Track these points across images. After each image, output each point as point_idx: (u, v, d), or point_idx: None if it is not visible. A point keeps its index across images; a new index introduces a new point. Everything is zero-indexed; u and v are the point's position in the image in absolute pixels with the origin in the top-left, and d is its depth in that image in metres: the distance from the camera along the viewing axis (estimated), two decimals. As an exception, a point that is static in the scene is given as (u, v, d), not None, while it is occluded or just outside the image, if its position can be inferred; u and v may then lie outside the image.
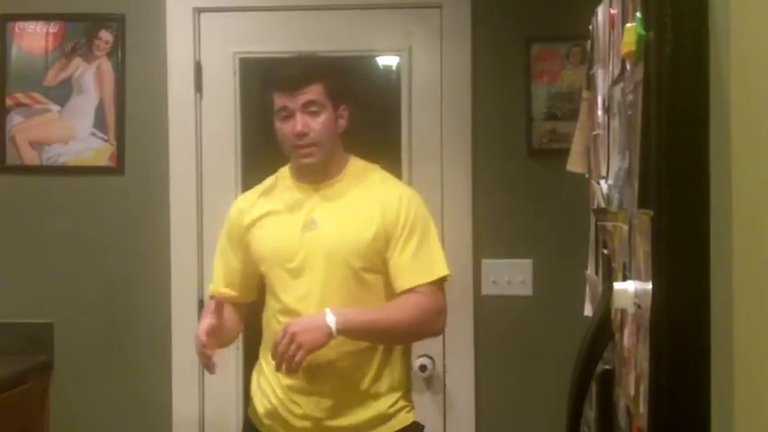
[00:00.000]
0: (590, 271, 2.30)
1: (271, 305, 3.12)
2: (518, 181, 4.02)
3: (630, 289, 1.59)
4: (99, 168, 4.15)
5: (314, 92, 3.02)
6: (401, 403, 3.13)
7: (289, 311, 3.01)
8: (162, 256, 4.13)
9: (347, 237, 3.01)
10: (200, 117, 4.15)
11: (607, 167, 1.94)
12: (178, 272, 4.13)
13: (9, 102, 4.16)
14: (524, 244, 4.04)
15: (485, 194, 4.04)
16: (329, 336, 2.83)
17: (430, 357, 4.07)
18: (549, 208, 3.96)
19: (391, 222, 3.01)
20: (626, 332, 1.66)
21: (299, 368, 2.83)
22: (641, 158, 1.47)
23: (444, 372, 4.08)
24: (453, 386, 4.08)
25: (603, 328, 1.82)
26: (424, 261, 3.02)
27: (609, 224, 1.90)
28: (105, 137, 4.13)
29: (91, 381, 4.19)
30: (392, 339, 3.06)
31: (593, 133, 2.18)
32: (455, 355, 4.07)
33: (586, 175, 2.38)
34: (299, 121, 2.99)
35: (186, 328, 4.10)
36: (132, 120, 4.14)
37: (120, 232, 4.16)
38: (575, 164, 2.47)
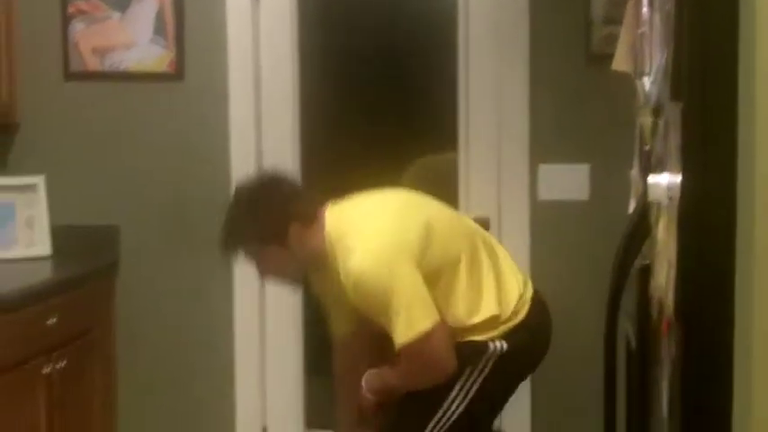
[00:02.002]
0: (634, 170, 2.31)
1: None
2: (576, 86, 4.01)
3: (664, 182, 1.61)
4: (159, 75, 4.21)
5: (247, 252, 3.24)
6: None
7: None
8: (221, 160, 4.20)
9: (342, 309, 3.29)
10: (258, 23, 4.18)
11: (650, 64, 1.95)
12: (238, 172, 4.18)
13: (71, 9, 4.22)
14: (581, 149, 4.04)
15: (542, 100, 4.04)
16: (367, 399, 3.24)
17: (486, 261, 4.10)
18: (607, 113, 3.94)
19: (360, 300, 3.09)
20: (660, 226, 1.68)
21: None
22: (674, 50, 1.48)
23: (500, 275, 4.11)
24: (509, 290, 4.11)
25: (641, 224, 1.84)
26: (396, 326, 3.03)
27: (649, 120, 1.91)
28: (165, 43, 4.19)
29: (155, 281, 4.30)
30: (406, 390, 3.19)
31: (639, 31, 2.18)
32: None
33: (632, 75, 2.38)
34: (258, 271, 3.31)
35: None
36: (191, 26, 4.19)
37: (181, 137, 4.23)
38: (620, 63, 2.47)
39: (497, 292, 3.23)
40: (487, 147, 4.09)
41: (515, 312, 3.23)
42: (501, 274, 3.28)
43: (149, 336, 4.32)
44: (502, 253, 3.37)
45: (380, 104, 4.37)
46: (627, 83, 2.67)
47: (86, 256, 4.24)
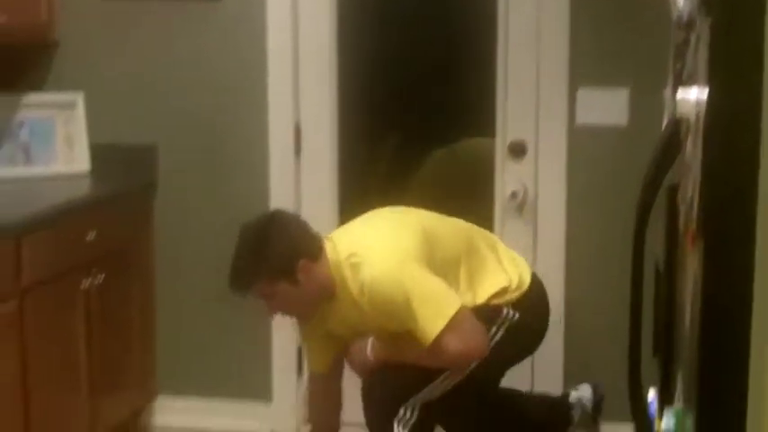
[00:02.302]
0: (668, 89, 2.29)
1: None
2: (615, 8, 3.95)
3: (692, 97, 1.60)
4: (198, -9, 4.20)
5: (258, 290, 3.30)
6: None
7: None
8: (259, 81, 4.21)
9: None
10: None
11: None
12: (274, 94, 4.21)
13: (111, -75, 4.21)
14: (621, 73, 3.99)
15: (582, 23, 3.99)
16: (370, 365, 3.36)
17: (522, 184, 4.10)
18: (647, 36, 3.89)
19: (379, 309, 3.21)
20: (689, 142, 1.68)
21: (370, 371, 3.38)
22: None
23: (536, 200, 4.11)
24: (545, 214, 4.12)
25: (672, 141, 1.84)
26: (423, 321, 3.16)
27: (681, 36, 1.90)
28: (203, -40, 4.18)
29: (192, 200, 4.34)
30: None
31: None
32: (547, 183, 4.10)
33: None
34: (270, 309, 3.38)
35: (282, 149, 4.21)
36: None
37: (218, 57, 4.24)
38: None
39: (501, 269, 3.45)
40: (526, 70, 4.06)
41: (520, 285, 3.45)
42: (501, 258, 3.50)
43: (187, 253, 4.37)
44: (500, 244, 3.59)
45: (418, 26, 4.34)
46: (667, 5, 2.64)
47: (125, 174, 4.28)
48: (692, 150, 1.61)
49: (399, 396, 3.32)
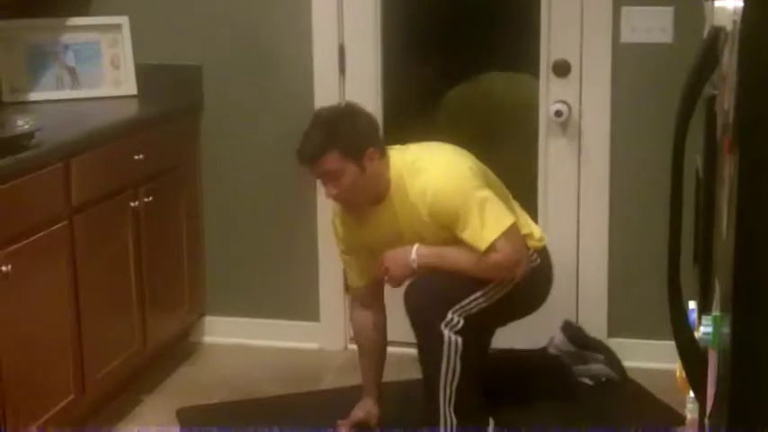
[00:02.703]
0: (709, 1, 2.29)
1: None
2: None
3: (730, 5, 1.61)
4: None
5: (327, 162, 3.38)
6: None
7: None
8: (303, 2, 4.22)
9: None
10: None
11: None
12: (319, 16, 4.23)
13: None
14: (665, -10, 3.97)
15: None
16: (412, 270, 3.43)
17: (566, 103, 4.10)
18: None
19: (438, 211, 3.37)
20: (726, 51, 1.69)
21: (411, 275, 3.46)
22: None
23: (580, 118, 4.11)
24: (588, 132, 4.12)
25: (711, 50, 1.84)
26: (486, 227, 3.35)
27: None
28: None
29: (237, 121, 4.38)
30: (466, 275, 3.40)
31: None
32: (592, 101, 4.09)
33: None
34: (327, 187, 3.44)
35: (328, 71, 4.25)
36: None
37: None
38: None
39: (526, 219, 3.64)
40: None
41: (541, 239, 3.64)
42: (524, 213, 3.67)
43: (233, 174, 4.42)
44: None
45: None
46: None
47: (170, 94, 4.33)
48: (729, 60, 1.61)
49: (446, 300, 3.41)
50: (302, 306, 4.46)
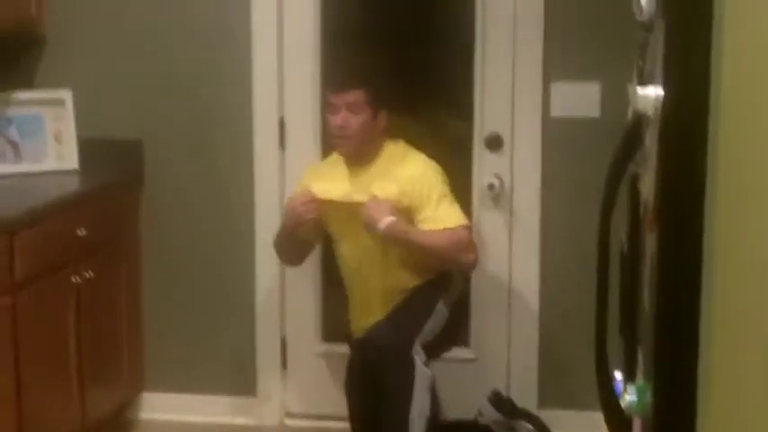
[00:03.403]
0: (631, 85, 2.41)
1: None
2: (588, 5, 4.07)
3: (651, 94, 1.73)
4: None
5: (356, 95, 3.67)
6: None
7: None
8: (244, 77, 4.30)
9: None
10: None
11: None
12: (259, 91, 4.31)
13: None
14: (593, 67, 4.11)
15: (556, 17, 4.11)
16: (376, 229, 3.62)
17: (498, 176, 4.22)
18: (618, 32, 3.99)
19: (413, 190, 3.66)
20: (648, 135, 1.80)
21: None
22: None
23: (512, 190, 4.23)
24: (520, 204, 4.24)
25: (634, 133, 1.96)
26: (453, 212, 3.69)
27: (643, 36, 2.02)
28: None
29: (178, 193, 4.43)
30: (427, 256, 3.69)
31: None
32: (523, 174, 4.22)
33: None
34: (341, 116, 3.68)
35: (268, 145, 4.32)
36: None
37: (203, 50, 4.32)
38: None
39: None
40: (502, 64, 4.17)
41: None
42: None
43: (174, 247, 4.45)
44: None
45: (400, 18, 4.44)
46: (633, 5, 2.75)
47: (112, 168, 4.36)
48: (651, 143, 1.73)
49: (410, 330, 3.64)
50: (239, 381, 4.48)
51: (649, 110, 1.74)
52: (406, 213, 3.65)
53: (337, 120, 3.69)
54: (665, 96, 1.56)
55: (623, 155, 1.97)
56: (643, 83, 1.94)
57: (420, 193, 3.66)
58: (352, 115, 3.67)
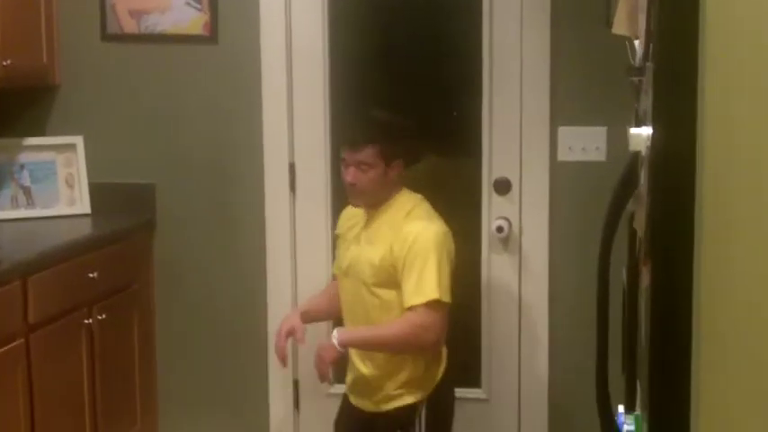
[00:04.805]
0: (630, 127, 2.46)
1: None
2: (595, 51, 4.11)
3: (644, 133, 1.77)
4: (194, 37, 4.37)
5: (368, 153, 3.64)
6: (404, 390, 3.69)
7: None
8: (254, 122, 4.37)
9: (363, 257, 3.67)
10: (289, -12, 4.34)
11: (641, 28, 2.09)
12: (270, 136, 4.37)
13: (109, -28, 4.39)
14: (600, 112, 4.16)
15: (563, 63, 4.17)
16: (336, 350, 3.58)
17: (507, 219, 4.26)
18: (623, 78, 4.04)
19: (399, 252, 3.58)
20: (642, 174, 1.85)
21: (328, 376, 3.67)
22: (646, 14, 1.64)
23: (520, 233, 4.28)
24: (528, 247, 4.28)
25: (632, 173, 2.01)
26: (420, 285, 3.54)
27: (637, 80, 2.07)
28: (199, 6, 4.34)
29: (190, 237, 4.48)
30: (387, 350, 3.64)
31: (635, -4, 2.31)
32: (531, 217, 4.26)
33: (631, 38, 2.51)
34: (351, 174, 3.66)
35: (278, 189, 4.38)
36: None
37: (215, 98, 4.40)
38: (619, 27, 2.59)
39: None
40: (510, 110, 4.23)
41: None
42: None
43: (186, 288, 4.50)
44: None
45: (407, 68, 4.50)
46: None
47: (124, 212, 4.42)
48: (644, 182, 1.77)
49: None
50: (252, 422, 4.51)
51: (642, 149, 1.79)
52: (391, 271, 3.61)
53: (348, 177, 3.69)
54: (654, 135, 1.60)
55: (621, 193, 2.01)
56: (638, 124, 1.99)
57: (404, 260, 3.56)
58: (362, 173, 3.64)
